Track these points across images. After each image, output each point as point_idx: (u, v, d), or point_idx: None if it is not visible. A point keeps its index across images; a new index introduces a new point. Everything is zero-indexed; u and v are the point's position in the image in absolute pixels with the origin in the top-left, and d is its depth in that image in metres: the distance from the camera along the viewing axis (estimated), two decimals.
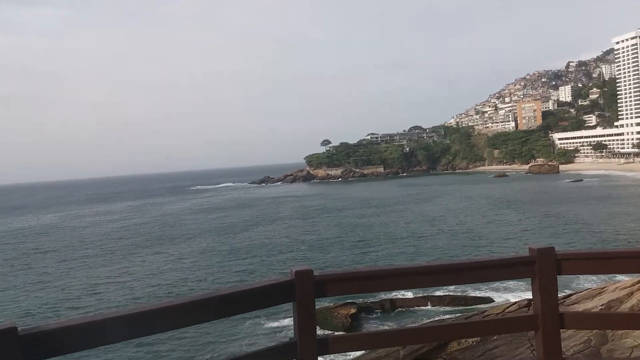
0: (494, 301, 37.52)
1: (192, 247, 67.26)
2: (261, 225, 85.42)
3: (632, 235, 57.06)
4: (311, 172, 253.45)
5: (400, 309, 38.25)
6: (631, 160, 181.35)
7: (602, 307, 23.22)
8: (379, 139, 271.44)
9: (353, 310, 36.04)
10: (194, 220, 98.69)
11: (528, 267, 4.07)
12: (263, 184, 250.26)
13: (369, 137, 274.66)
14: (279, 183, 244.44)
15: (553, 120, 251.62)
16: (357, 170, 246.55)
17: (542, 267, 3.98)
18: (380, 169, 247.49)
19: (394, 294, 41.30)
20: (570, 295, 31.35)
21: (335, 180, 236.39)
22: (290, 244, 64.36)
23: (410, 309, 38.29)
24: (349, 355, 29.53)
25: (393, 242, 62.24)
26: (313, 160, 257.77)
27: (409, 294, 41.33)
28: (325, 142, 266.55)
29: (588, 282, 41.43)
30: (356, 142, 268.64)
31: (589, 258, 4.21)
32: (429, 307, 38.49)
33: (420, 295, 40.50)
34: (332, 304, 38.02)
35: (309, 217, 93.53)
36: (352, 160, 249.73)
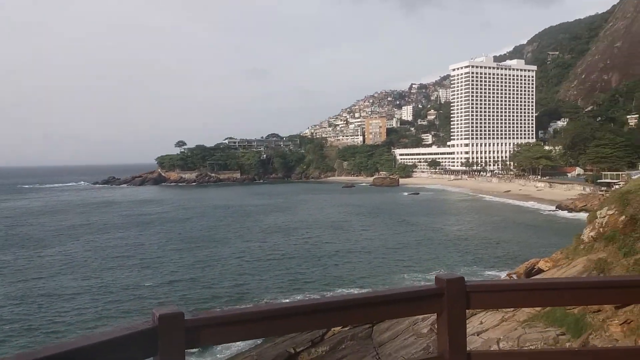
0: None
1: None
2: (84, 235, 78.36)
3: (471, 239, 64.04)
4: (163, 174, 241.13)
5: None
6: (459, 177, 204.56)
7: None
8: (237, 144, 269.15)
9: None
10: None
11: (435, 300, 3.51)
12: (107, 185, 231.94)
13: (226, 142, 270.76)
14: (125, 185, 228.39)
15: (396, 136, 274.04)
16: (213, 174, 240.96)
17: (451, 300, 3.46)
18: (237, 175, 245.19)
19: (242, 302, 40.79)
20: None
21: (189, 184, 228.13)
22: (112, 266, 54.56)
23: None
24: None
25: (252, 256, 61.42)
26: (165, 162, 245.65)
27: (248, 304, 41.16)
28: (180, 144, 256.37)
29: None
30: (213, 145, 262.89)
31: (501, 290, 3.78)
32: None
33: (264, 302, 40.45)
34: None
35: (146, 226, 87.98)
36: (208, 164, 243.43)
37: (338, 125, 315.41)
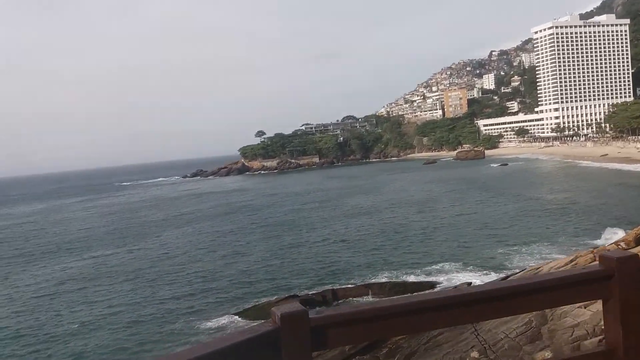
0: (437, 286, 38.16)
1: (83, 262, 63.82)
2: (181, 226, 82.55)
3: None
4: (246, 164, 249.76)
5: (342, 300, 37.94)
6: (550, 144, 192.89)
7: None
8: (314, 129, 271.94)
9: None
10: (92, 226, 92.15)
11: (601, 283, 2.96)
12: (196, 178, 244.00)
13: (303, 128, 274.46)
14: (212, 177, 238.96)
15: (478, 107, 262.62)
16: (293, 160, 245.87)
17: (624, 283, 2.90)
18: (316, 159, 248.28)
19: (336, 283, 41.28)
20: (507, 277, 31.86)
21: (271, 172, 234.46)
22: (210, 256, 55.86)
23: (353, 299, 38.09)
24: None
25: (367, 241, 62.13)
26: (248, 152, 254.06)
27: (351, 281, 41.44)
28: (260, 133, 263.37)
29: (525, 259, 43.27)
30: (291, 132, 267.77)
31: None
32: (370, 296, 38.38)
33: (361, 283, 40.56)
34: (273, 299, 37.18)
35: (234, 215, 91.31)
36: (287, 151, 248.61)
37: (415, 100, 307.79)
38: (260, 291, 40.42)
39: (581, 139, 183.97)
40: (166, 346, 30.76)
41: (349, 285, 40.34)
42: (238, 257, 53.79)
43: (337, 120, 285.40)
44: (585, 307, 22.17)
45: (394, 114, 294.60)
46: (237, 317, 34.90)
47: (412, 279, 41.17)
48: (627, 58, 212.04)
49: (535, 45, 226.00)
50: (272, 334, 2.43)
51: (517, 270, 35.75)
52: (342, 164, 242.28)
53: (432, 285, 38.77)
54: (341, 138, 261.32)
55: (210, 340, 2.38)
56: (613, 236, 44.50)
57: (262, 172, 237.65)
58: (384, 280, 41.12)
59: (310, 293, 38.42)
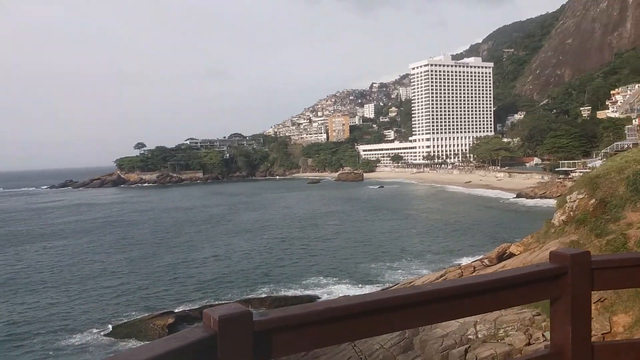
0: (315, 299, 38.56)
1: None
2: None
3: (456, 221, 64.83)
4: (122, 176, 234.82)
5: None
6: (421, 170, 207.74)
7: None
8: (199, 144, 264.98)
9: (171, 320, 33.40)
10: None
11: (553, 282, 2.76)
12: (66, 188, 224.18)
13: (188, 142, 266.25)
14: (82, 188, 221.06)
15: (359, 133, 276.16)
16: (175, 174, 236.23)
17: (576, 281, 2.74)
18: (200, 174, 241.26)
19: (214, 298, 39.92)
20: (384, 290, 33.08)
21: (150, 185, 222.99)
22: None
23: None
24: None
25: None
26: (125, 164, 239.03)
27: (227, 297, 40.37)
28: (140, 145, 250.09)
29: (397, 274, 45.48)
30: (174, 146, 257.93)
31: (627, 266, 2.97)
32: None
33: (242, 298, 39.70)
34: (147, 314, 34.93)
35: (103, 231, 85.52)
36: (169, 164, 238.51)
37: (302, 123, 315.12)
38: (133, 307, 37.75)
39: (449, 167, 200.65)
40: None
41: (227, 300, 39.32)
42: (106, 275, 49.90)
43: (224, 137, 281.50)
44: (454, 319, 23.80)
45: (281, 135, 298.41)
46: (103, 336, 32.15)
47: (290, 293, 41.30)
48: (490, 97, 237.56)
49: (411, 80, 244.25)
50: (206, 341, 1.96)
51: (391, 284, 37.46)
52: (227, 180, 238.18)
53: (311, 299, 39.16)
54: (227, 154, 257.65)
55: (128, 351, 1.88)
56: (476, 253, 48.79)
57: (140, 184, 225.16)
58: (263, 295, 40.70)
59: (187, 309, 36.72)
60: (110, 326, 33.34)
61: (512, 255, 28.73)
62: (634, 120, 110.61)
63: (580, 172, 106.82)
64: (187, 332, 2.00)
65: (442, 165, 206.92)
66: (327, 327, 2.22)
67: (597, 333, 17.03)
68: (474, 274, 28.13)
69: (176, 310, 36.01)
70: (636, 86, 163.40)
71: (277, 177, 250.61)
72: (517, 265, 26.13)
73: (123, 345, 30.67)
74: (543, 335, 18.95)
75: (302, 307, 2.32)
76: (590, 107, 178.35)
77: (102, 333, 32.45)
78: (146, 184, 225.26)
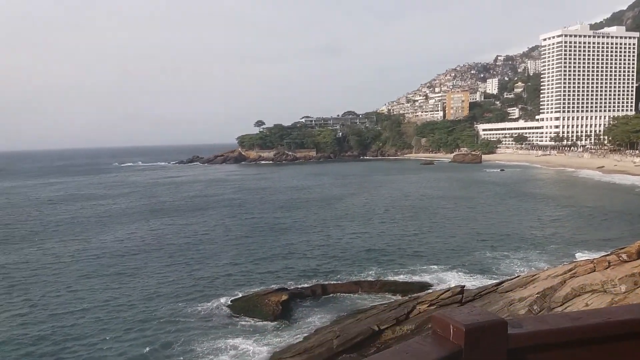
0: (428, 287, 37.43)
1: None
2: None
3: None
4: (243, 153, 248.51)
5: (331, 295, 37.19)
6: (547, 152, 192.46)
7: (538, 294, 22.85)
8: (313, 122, 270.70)
9: (285, 297, 34.48)
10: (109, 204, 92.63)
11: None
12: (193, 163, 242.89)
13: (303, 120, 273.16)
14: (207, 164, 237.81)
15: (479, 111, 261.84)
16: (290, 153, 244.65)
17: None
18: (313, 153, 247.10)
19: (325, 278, 40.52)
20: (502, 282, 31.04)
21: (266, 163, 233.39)
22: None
23: (342, 294, 37.34)
24: (276, 346, 28.30)
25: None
26: (246, 141, 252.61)
27: (338, 278, 40.66)
28: (259, 123, 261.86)
29: (517, 265, 42.71)
30: (290, 124, 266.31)
31: None
32: (360, 293, 37.61)
33: (351, 280, 39.84)
34: (262, 290, 36.42)
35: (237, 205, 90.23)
36: (285, 142, 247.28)
37: (417, 100, 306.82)
38: (249, 282, 39.63)
39: (579, 150, 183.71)
40: (155, 332, 29.99)
41: (339, 281, 39.67)
42: (225, 249, 52.94)
43: (338, 115, 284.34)
44: None
45: (395, 113, 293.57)
46: (225, 307, 34.15)
47: (401, 278, 40.54)
48: (632, 71, 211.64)
49: (542, 53, 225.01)
50: (452, 357, 1.54)
51: (509, 277, 35.06)
52: (339, 159, 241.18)
53: (422, 286, 38.07)
54: (340, 133, 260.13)
55: None
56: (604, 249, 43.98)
57: (259, 162, 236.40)
58: (371, 278, 40.41)
59: (299, 287, 37.69)
60: (229, 300, 35.23)
61: None
62: None
63: None
64: (420, 345, 1.61)
65: (572, 148, 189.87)
66: (604, 347, 1.64)
67: None
68: (608, 269, 25.18)
69: (289, 288, 37.13)
70: None
71: (389, 157, 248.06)
72: None
73: (241, 318, 32.35)
74: None
75: (567, 317, 1.72)
76: None
77: (222, 305, 34.46)
78: (264, 162, 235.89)
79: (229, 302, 34.69)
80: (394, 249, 50.00)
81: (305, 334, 29.71)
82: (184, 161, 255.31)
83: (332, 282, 39.13)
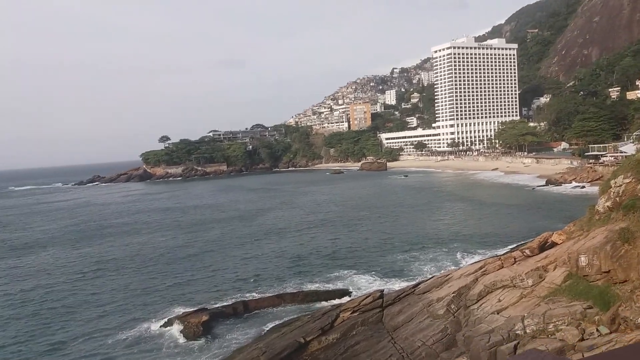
0: (348, 294, 38.07)
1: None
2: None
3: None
4: (148, 170, 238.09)
5: (254, 311, 36.60)
6: (446, 157, 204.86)
7: (454, 294, 24.02)
8: (222, 136, 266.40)
9: (205, 317, 33.39)
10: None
11: None
12: (94, 184, 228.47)
13: (211, 134, 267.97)
14: (111, 183, 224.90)
15: (381, 121, 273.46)
16: (200, 168, 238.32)
17: None
18: (224, 167, 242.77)
19: (246, 295, 39.81)
20: (419, 283, 32.26)
21: (175, 179, 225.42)
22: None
23: (265, 309, 36.89)
24: None
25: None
26: (150, 158, 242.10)
27: (259, 294, 40.12)
28: (164, 139, 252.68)
29: (428, 265, 44.73)
30: (198, 139, 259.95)
31: None
32: (283, 306, 37.38)
33: (273, 293, 39.50)
34: (181, 312, 34.98)
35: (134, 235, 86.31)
36: (193, 157, 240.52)
37: (322, 112, 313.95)
38: (169, 305, 37.88)
39: (474, 154, 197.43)
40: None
41: (261, 296, 39.16)
42: (139, 275, 50.33)
43: (246, 128, 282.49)
44: (498, 313, 23.01)
45: (303, 125, 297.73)
46: (146, 333, 32.33)
47: (323, 287, 40.93)
48: (515, 80, 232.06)
49: (434, 64, 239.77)
50: None
51: (425, 278, 36.65)
52: (250, 173, 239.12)
53: (343, 293, 38.74)
54: (250, 146, 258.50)
55: None
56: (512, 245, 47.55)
57: (166, 179, 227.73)
58: (294, 290, 40.37)
59: (220, 306, 36.65)
60: (150, 325, 33.45)
61: (554, 244, 27.71)
62: None
63: (612, 156, 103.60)
64: None
65: (467, 152, 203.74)
66: None
67: None
68: (514, 265, 27.21)
69: (209, 308, 35.99)
70: None
71: (300, 167, 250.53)
72: (561, 254, 25.14)
73: (163, 342, 30.78)
74: (597, 329, 18.10)
75: None
76: (619, 88, 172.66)
77: (143, 331, 32.64)
78: (171, 178, 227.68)
79: (150, 328, 32.96)
80: (312, 259, 50.41)
81: (230, 353, 28.94)
82: (84, 182, 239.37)
83: (253, 298, 38.57)
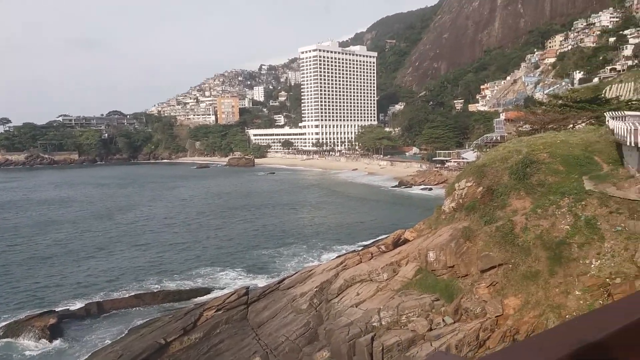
0: (212, 292, 37.52)
1: None
2: None
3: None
4: None
5: (110, 312, 34.37)
6: (311, 156, 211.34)
7: (317, 288, 25.12)
8: (73, 122, 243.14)
9: (52, 320, 30.56)
10: None
11: None
12: None
13: (60, 119, 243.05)
14: None
15: (249, 117, 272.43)
16: (47, 156, 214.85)
17: None
18: (75, 156, 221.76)
19: (99, 295, 37.23)
20: (283, 279, 33.12)
21: (16, 168, 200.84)
22: None
23: (122, 310, 34.85)
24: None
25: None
26: None
27: (116, 294, 37.83)
28: (4, 121, 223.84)
29: (293, 261, 45.91)
30: (45, 123, 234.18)
31: None
32: (142, 307, 35.64)
33: (130, 294, 37.46)
34: (23, 316, 31.54)
35: None
36: (39, 144, 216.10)
37: (188, 103, 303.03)
38: (8, 307, 33.83)
39: (336, 154, 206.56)
40: None
41: (117, 297, 36.89)
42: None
43: (102, 115, 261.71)
44: (357, 306, 24.52)
45: (166, 115, 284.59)
46: None
47: (185, 285, 39.87)
48: (374, 86, 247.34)
49: (301, 65, 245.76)
50: None
51: (289, 274, 37.62)
52: (106, 163, 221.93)
53: (207, 291, 38.15)
54: (106, 134, 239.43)
55: None
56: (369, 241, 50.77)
57: (6, 166, 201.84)
58: (155, 289, 38.73)
59: (70, 308, 33.75)
60: None
61: (407, 241, 30.30)
62: (500, 114, 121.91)
63: (455, 161, 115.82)
64: None
65: (331, 153, 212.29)
66: None
67: (492, 316, 18.62)
68: (372, 260, 29.23)
69: (57, 310, 32.97)
70: (502, 82, 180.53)
71: (163, 160, 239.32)
72: (412, 250, 27.63)
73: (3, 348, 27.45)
74: (443, 320, 20.27)
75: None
76: (462, 100, 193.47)
77: None
78: (12, 166, 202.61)
79: None
80: (174, 257, 48.78)
81: (83, 358, 26.90)
82: None
83: (108, 299, 36.21)
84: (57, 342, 28.99)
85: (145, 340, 28.07)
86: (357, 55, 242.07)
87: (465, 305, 20.07)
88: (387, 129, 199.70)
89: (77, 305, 34.42)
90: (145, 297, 36.84)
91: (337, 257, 38.26)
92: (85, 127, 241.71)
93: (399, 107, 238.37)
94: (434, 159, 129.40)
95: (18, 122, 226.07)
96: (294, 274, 33.90)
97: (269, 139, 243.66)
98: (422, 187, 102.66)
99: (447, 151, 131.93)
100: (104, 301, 35.54)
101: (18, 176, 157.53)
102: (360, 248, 43.55)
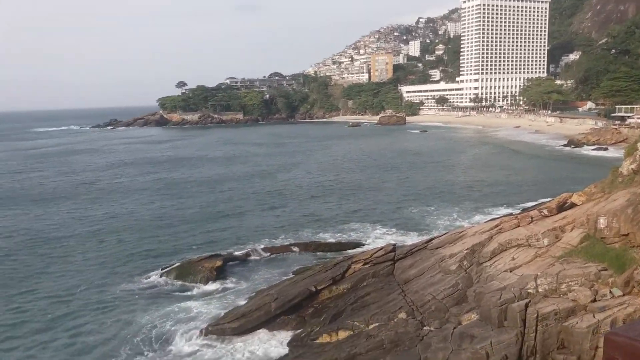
0: (361, 246, 38.30)
1: None
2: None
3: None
4: (165, 116, 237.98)
5: (267, 258, 37.10)
6: (467, 113, 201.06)
7: (467, 250, 23.82)
8: (239, 83, 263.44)
9: (219, 263, 33.97)
10: None
11: None
12: (111, 127, 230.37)
13: (228, 82, 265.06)
14: (126, 127, 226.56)
15: (403, 73, 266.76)
16: (216, 115, 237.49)
17: None
18: (240, 116, 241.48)
19: (261, 242, 40.33)
20: (431, 239, 32.04)
21: (192, 126, 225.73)
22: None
23: (277, 257, 37.36)
24: (211, 312, 27.93)
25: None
26: (167, 104, 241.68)
27: (274, 242, 40.62)
28: (181, 84, 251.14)
29: (443, 220, 44.66)
30: (214, 85, 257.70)
31: None
32: (295, 255, 37.77)
33: (286, 242, 39.93)
34: (195, 257, 35.61)
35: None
36: (210, 105, 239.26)
37: (343, 62, 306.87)
38: (182, 251, 38.57)
39: (497, 110, 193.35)
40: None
41: (273, 244, 39.64)
42: (162, 217, 51.17)
43: (264, 77, 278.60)
44: (511, 271, 22.89)
45: (322, 74, 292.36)
46: (158, 277, 33.14)
47: (335, 238, 41.21)
48: (544, 35, 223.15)
49: (462, 15, 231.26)
50: None
51: (438, 234, 36.54)
52: (267, 123, 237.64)
53: (356, 245, 38.99)
54: (267, 95, 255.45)
55: None
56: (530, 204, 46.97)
57: (183, 125, 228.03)
58: (307, 240, 40.65)
59: (234, 252, 37.22)
60: (162, 270, 34.13)
61: (573, 205, 27.18)
62: None
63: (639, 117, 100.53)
64: None
65: (490, 109, 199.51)
66: None
67: None
68: (531, 224, 26.84)
69: (223, 252, 36.56)
70: None
71: (317, 119, 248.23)
72: (580, 215, 24.68)
73: (175, 286, 31.58)
74: (611, 292, 17.89)
75: None
76: None
77: (156, 275, 33.38)
78: (187, 125, 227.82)
79: (162, 272, 33.68)
80: (327, 211, 50.57)
81: (242, 299, 29.53)
82: (100, 125, 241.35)
83: (267, 246, 39.04)
84: (223, 282, 32.22)
85: (297, 286, 29.69)
86: (526, 1, 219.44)
87: (639, 278, 17.39)
88: (557, 82, 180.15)
89: (240, 250, 37.78)
90: (298, 247, 38.97)
91: (491, 219, 36.05)
92: (249, 88, 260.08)
93: (573, 56, 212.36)
94: (612, 114, 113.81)
95: (192, 84, 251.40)
96: (444, 234, 32.80)
97: (422, 96, 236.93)
98: (596, 146, 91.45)
99: (629, 106, 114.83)
100: (262, 248, 38.42)
101: (192, 134, 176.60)
102: (518, 211, 40.46)
